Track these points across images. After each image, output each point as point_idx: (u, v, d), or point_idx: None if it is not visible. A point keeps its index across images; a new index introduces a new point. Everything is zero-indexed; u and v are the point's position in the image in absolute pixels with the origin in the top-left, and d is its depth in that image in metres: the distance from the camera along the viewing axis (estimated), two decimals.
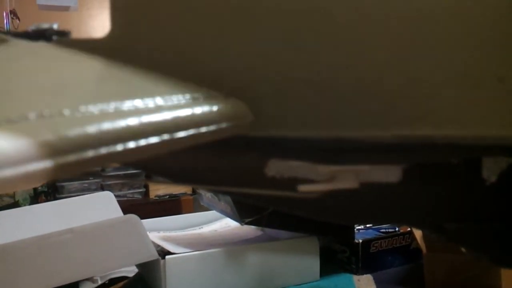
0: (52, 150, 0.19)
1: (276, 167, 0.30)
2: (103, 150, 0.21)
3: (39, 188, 2.14)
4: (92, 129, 0.21)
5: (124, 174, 2.26)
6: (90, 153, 0.20)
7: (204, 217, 0.88)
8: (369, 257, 0.75)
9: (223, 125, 0.26)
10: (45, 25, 0.35)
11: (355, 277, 0.74)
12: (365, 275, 0.74)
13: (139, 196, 2.32)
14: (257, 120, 0.28)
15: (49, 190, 2.16)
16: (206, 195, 0.78)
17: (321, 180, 0.29)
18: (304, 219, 0.71)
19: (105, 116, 0.22)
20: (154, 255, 0.64)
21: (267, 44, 0.28)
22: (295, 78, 0.28)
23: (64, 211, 0.80)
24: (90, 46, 0.32)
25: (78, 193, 1.65)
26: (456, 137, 0.26)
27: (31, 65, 0.30)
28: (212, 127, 0.25)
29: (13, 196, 2.07)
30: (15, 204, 1.99)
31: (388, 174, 0.29)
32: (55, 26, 0.35)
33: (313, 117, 0.28)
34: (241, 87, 0.28)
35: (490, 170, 0.29)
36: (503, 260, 0.34)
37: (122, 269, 0.78)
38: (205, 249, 0.68)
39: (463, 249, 0.33)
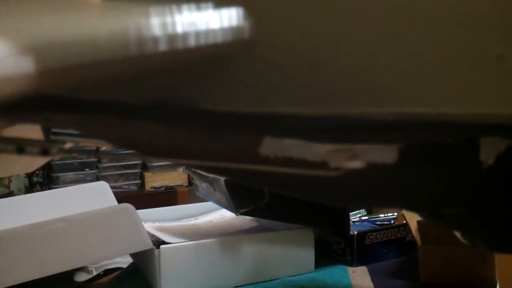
0: (33, 47, 0.18)
1: (270, 146, 0.29)
2: (89, 55, 0.20)
3: (34, 178, 2.13)
4: (75, 33, 0.20)
5: (120, 165, 2.26)
6: (75, 57, 0.19)
7: (199, 208, 0.88)
8: (364, 249, 0.75)
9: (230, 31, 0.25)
10: None
11: (350, 269, 0.74)
12: (360, 267, 0.74)
13: (135, 188, 2.31)
14: (251, 96, 0.28)
15: (44, 181, 2.15)
16: (202, 186, 0.78)
17: (316, 160, 0.29)
18: (299, 210, 0.71)
19: (89, 22, 0.21)
20: (149, 245, 0.64)
21: (264, 19, 0.28)
22: (290, 53, 0.27)
23: (59, 201, 0.79)
24: None
25: (74, 184, 1.64)
26: (453, 115, 0.26)
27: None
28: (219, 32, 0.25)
29: (8, 186, 2.06)
30: (10, 194, 1.99)
31: (384, 154, 0.29)
32: None
33: (308, 94, 0.27)
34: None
35: (488, 152, 0.29)
36: (499, 245, 0.34)
37: (117, 260, 0.78)
38: (200, 239, 0.68)
39: (459, 235, 0.32)
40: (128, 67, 0.23)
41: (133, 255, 0.75)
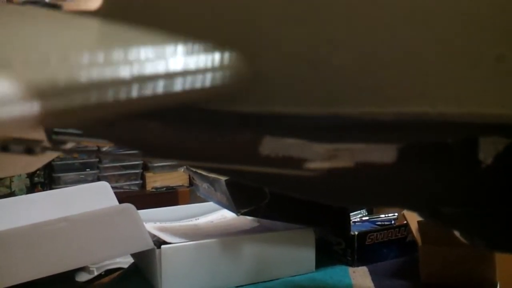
0: (39, 92, 0.18)
1: (270, 145, 0.30)
2: (93, 98, 0.20)
3: (36, 179, 2.13)
4: (80, 75, 0.20)
5: (121, 165, 2.26)
6: (79, 100, 0.20)
7: (200, 209, 0.88)
8: (364, 249, 0.75)
9: (220, 73, 0.25)
10: None
11: (351, 269, 0.74)
12: (360, 267, 0.74)
13: (136, 188, 2.31)
14: (251, 96, 0.28)
15: (45, 181, 2.15)
16: (203, 186, 0.78)
17: (316, 159, 0.29)
18: (300, 211, 0.71)
19: (94, 64, 0.21)
20: (150, 245, 0.64)
21: (261, 18, 0.28)
22: (291, 53, 0.27)
23: (60, 201, 0.79)
24: (82, 15, 0.32)
25: (75, 184, 1.64)
26: (453, 114, 0.26)
27: (16, 20, 0.30)
28: (208, 76, 0.25)
29: (9, 186, 2.06)
30: (11, 195, 1.99)
31: (383, 154, 0.29)
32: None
33: (308, 93, 0.27)
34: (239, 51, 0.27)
35: (487, 152, 0.29)
36: (499, 245, 0.34)
37: (118, 260, 0.78)
38: (201, 240, 0.68)
39: (458, 235, 0.32)
40: (131, 104, 0.23)
41: (134, 255, 0.76)
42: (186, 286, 0.66)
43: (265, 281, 0.70)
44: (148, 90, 0.22)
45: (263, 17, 0.28)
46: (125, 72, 0.22)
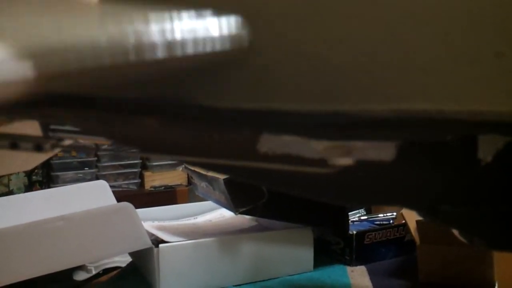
0: (32, 53, 0.18)
1: (268, 143, 0.29)
2: (88, 62, 0.20)
3: (34, 177, 2.13)
4: (74, 39, 0.20)
5: (120, 164, 2.26)
6: (74, 63, 0.19)
7: (198, 208, 0.88)
8: (363, 248, 0.75)
9: (226, 39, 0.25)
10: None
11: (349, 268, 0.74)
12: (358, 267, 0.74)
13: (134, 187, 2.31)
14: (249, 93, 0.27)
15: (43, 180, 2.15)
16: (201, 185, 0.78)
17: (314, 157, 0.29)
18: (298, 210, 0.71)
19: (89, 28, 0.21)
20: (148, 243, 0.64)
21: (263, 16, 0.28)
22: (290, 50, 0.27)
23: (58, 199, 0.79)
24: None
25: (73, 183, 1.64)
26: (452, 112, 0.26)
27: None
28: (216, 40, 0.25)
29: (7, 185, 2.06)
30: (9, 193, 1.99)
31: (382, 152, 0.29)
32: None
33: (307, 91, 0.27)
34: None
35: (486, 150, 0.29)
36: (498, 243, 0.34)
37: (116, 259, 0.79)
38: (199, 238, 0.68)
39: (457, 233, 0.32)
40: (127, 72, 0.23)
41: (132, 254, 0.75)
42: (184, 285, 0.66)
43: (263, 280, 0.70)
44: (148, 54, 0.22)
45: (263, 13, 0.28)
46: (124, 37, 0.22)
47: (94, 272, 0.87)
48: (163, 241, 0.67)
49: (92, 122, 0.31)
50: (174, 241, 0.67)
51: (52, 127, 0.34)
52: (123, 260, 0.81)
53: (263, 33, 0.28)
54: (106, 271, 0.83)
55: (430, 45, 0.26)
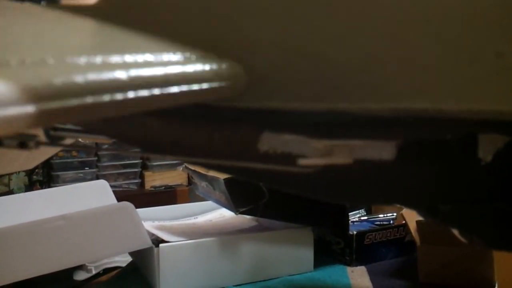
0: (35, 94, 0.18)
1: (269, 141, 0.29)
2: (88, 100, 0.20)
3: (34, 177, 2.13)
4: (77, 77, 0.20)
5: (120, 164, 2.26)
6: (75, 102, 0.20)
7: (198, 207, 0.88)
8: (363, 249, 0.75)
9: (216, 84, 0.26)
10: None
11: (349, 269, 0.74)
12: (359, 267, 0.74)
13: (135, 187, 2.31)
14: (250, 91, 0.28)
15: (44, 179, 2.15)
16: (201, 185, 0.78)
17: (315, 155, 0.29)
18: (299, 210, 0.71)
19: (91, 66, 0.22)
20: (148, 243, 0.64)
21: (261, 14, 0.28)
22: (290, 48, 0.27)
23: (58, 199, 0.79)
24: (80, 10, 0.32)
25: (73, 183, 1.64)
26: (452, 111, 0.26)
27: (13, 18, 0.29)
28: (204, 85, 0.25)
29: (8, 184, 2.06)
30: (10, 193, 1.98)
31: (382, 151, 0.29)
32: None
33: (307, 89, 0.27)
34: (235, 58, 0.28)
35: (486, 149, 0.29)
36: (498, 243, 0.34)
37: (116, 258, 0.78)
38: (200, 238, 0.68)
39: (456, 233, 0.32)
40: (126, 106, 0.23)
41: (132, 254, 0.75)
42: (184, 285, 0.66)
43: (263, 280, 0.70)
44: (144, 93, 0.22)
45: (262, 13, 0.28)
46: (122, 75, 0.22)
47: (94, 272, 0.87)
48: (163, 241, 0.67)
49: (93, 122, 0.31)
50: (174, 241, 0.67)
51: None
52: (123, 260, 0.81)
53: (261, 32, 0.28)
54: (106, 271, 0.83)
55: (430, 44, 0.26)
